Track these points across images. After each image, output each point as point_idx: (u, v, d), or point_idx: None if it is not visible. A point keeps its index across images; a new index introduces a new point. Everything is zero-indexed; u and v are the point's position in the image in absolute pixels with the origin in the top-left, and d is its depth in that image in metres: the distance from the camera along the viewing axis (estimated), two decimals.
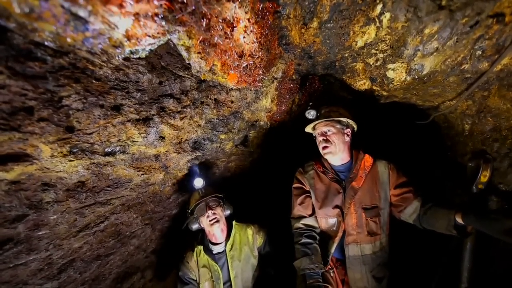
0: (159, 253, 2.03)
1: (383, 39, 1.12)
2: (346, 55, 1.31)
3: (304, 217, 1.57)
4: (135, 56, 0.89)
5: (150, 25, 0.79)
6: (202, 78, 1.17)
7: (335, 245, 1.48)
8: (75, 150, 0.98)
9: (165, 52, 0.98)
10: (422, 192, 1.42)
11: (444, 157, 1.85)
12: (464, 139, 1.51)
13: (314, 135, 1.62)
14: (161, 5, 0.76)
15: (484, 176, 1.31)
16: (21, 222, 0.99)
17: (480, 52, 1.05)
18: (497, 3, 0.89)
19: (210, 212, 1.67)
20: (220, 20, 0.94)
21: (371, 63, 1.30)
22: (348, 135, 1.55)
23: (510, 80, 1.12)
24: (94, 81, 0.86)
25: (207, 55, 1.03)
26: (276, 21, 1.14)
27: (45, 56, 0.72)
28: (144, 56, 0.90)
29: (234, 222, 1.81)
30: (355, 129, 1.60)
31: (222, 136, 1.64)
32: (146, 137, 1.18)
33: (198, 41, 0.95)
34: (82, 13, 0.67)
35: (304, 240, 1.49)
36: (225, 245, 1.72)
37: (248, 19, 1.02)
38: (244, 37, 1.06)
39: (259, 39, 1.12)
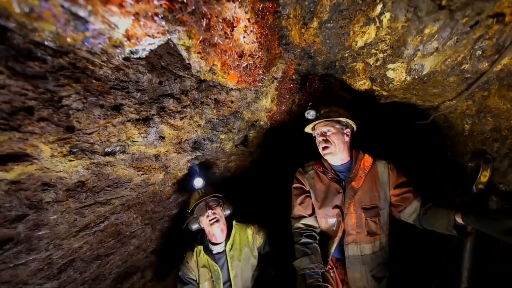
0: (159, 253, 2.03)
1: (383, 39, 1.12)
2: (346, 55, 1.31)
3: (304, 217, 1.57)
4: (135, 56, 0.89)
5: (150, 25, 0.79)
6: (202, 78, 1.17)
7: (335, 245, 1.48)
8: (75, 150, 0.98)
9: (165, 52, 0.98)
10: (422, 192, 1.42)
11: (444, 157, 1.85)
12: (464, 139, 1.51)
13: (313, 135, 1.63)
14: (161, 5, 0.76)
15: (484, 176, 1.31)
16: (21, 222, 0.99)
17: (480, 52, 1.05)
18: (497, 3, 0.89)
19: (210, 211, 1.67)
20: (220, 20, 0.94)
21: (371, 63, 1.30)
22: (347, 135, 1.55)
23: (510, 80, 1.12)
24: (94, 81, 0.86)
25: (207, 55, 1.03)
26: (276, 21, 1.14)
27: (45, 56, 0.72)
28: (144, 56, 0.90)
29: (234, 222, 1.81)
30: (355, 129, 1.60)
31: (222, 136, 1.64)
32: (146, 137, 1.18)
33: (198, 41, 0.95)
34: (82, 13, 0.67)
35: (304, 240, 1.49)
36: (225, 245, 1.72)
37: (248, 19, 1.02)
38: (244, 37, 1.06)
39: (259, 39, 1.12)
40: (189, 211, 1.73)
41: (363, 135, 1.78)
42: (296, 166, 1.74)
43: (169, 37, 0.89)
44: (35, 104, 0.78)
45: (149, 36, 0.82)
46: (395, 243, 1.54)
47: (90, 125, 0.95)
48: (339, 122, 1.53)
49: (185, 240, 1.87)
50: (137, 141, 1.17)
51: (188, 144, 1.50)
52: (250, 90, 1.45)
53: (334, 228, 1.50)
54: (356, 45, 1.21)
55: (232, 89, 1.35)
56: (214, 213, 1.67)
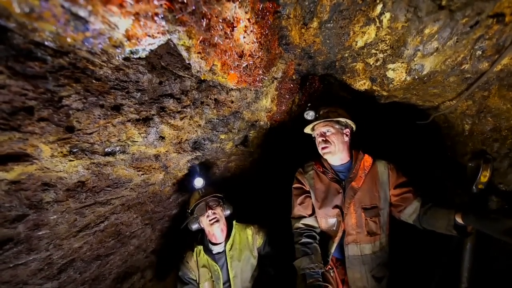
0: (159, 253, 2.03)
1: (383, 39, 1.12)
2: (346, 55, 1.31)
3: (304, 217, 1.57)
4: (135, 56, 0.89)
5: (150, 25, 0.79)
6: (202, 78, 1.17)
7: (335, 245, 1.48)
8: (75, 150, 0.98)
9: (165, 52, 0.98)
10: (422, 192, 1.42)
11: (444, 157, 1.85)
12: (464, 139, 1.51)
13: (313, 135, 1.63)
14: (161, 5, 0.76)
15: (484, 176, 1.31)
16: (21, 222, 0.99)
17: (480, 52, 1.05)
18: (497, 3, 0.89)
19: (210, 211, 1.67)
20: (220, 20, 0.94)
21: (371, 63, 1.30)
22: (347, 135, 1.55)
23: (510, 80, 1.12)
24: (94, 81, 0.86)
25: (207, 55, 1.03)
26: (276, 21, 1.14)
27: (45, 56, 0.72)
28: (144, 56, 0.90)
29: (234, 222, 1.81)
30: (354, 129, 1.61)
31: (222, 136, 1.64)
32: (146, 137, 1.18)
33: (198, 41, 0.95)
34: (82, 13, 0.67)
35: (304, 239, 1.49)
36: (225, 245, 1.72)
37: (248, 19, 1.02)
38: (244, 37, 1.06)
39: (259, 39, 1.12)
40: (189, 211, 1.73)
41: (363, 135, 1.78)
42: (296, 166, 1.74)
43: (169, 37, 0.89)
44: (35, 104, 0.78)
45: (149, 36, 0.82)
46: (395, 243, 1.54)
47: (90, 125, 0.95)
48: (338, 122, 1.53)
49: (185, 240, 1.87)
50: (137, 141, 1.17)
51: (188, 144, 1.50)
52: (250, 90, 1.45)
53: (334, 228, 1.50)
54: (356, 45, 1.21)
55: (232, 89, 1.35)
56: (214, 213, 1.67)
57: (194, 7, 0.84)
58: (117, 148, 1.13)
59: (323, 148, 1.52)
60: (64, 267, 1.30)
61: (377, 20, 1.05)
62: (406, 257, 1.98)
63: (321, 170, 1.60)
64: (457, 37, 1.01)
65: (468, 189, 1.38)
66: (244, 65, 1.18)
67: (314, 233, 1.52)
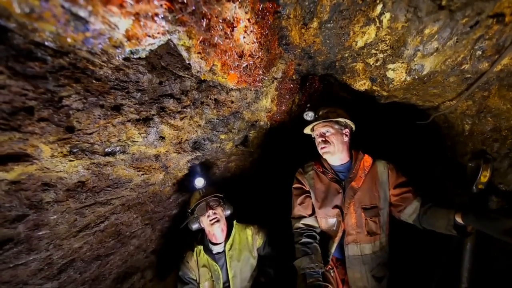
0: (159, 253, 2.03)
1: (383, 39, 1.12)
2: (346, 55, 1.31)
3: (304, 217, 1.57)
4: (135, 56, 0.89)
5: (150, 25, 0.79)
6: (202, 78, 1.17)
7: (335, 245, 1.48)
8: (75, 150, 0.98)
9: (165, 52, 0.98)
10: (422, 192, 1.42)
11: (444, 157, 1.85)
12: (464, 139, 1.51)
13: (313, 136, 1.63)
14: (161, 5, 0.76)
15: (484, 176, 1.31)
16: (21, 222, 0.99)
17: (480, 52, 1.05)
18: (497, 3, 0.89)
19: (210, 211, 1.67)
20: (220, 20, 0.94)
21: (371, 63, 1.30)
22: (346, 135, 1.55)
23: (510, 80, 1.12)
24: (94, 81, 0.86)
25: (207, 55, 1.03)
26: (276, 21, 1.14)
27: (45, 56, 0.72)
28: (144, 56, 0.90)
29: (234, 222, 1.81)
30: (353, 129, 1.61)
31: (222, 136, 1.64)
32: (146, 137, 1.18)
33: (198, 41, 0.95)
34: (82, 13, 0.67)
35: (304, 239, 1.50)
36: (225, 245, 1.72)
37: (248, 19, 1.02)
38: (244, 37, 1.06)
39: (259, 39, 1.12)
40: (190, 210, 1.73)
41: (363, 135, 1.78)
42: (296, 166, 1.74)
43: (169, 37, 0.89)
44: (35, 104, 0.78)
45: (149, 36, 0.82)
46: (395, 243, 1.54)
47: (90, 125, 0.95)
48: (337, 122, 1.53)
49: (185, 240, 1.87)
50: (137, 141, 1.17)
51: (188, 144, 1.50)
52: (250, 90, 1.45)
53: (334, 228, 1.50)
54: (356, 45, 1.21)
55: (232, 89, 1.35)
56: (214, 213, 1.67)
57: (194, 7, 0.84)
58: (117, 148, 1.13)
59: (322, 148, 1.52)
60: (64, 267, 1.30)
61: (377, 20, 1.05)
62: (406, 257, 1.98)
63: (321, 170, 1.60)
64: (457, 37, 1.01)
65: (468, 189, 1.38)
66: (244, 65, 1.18)
67: (314, 233, 1.53)
